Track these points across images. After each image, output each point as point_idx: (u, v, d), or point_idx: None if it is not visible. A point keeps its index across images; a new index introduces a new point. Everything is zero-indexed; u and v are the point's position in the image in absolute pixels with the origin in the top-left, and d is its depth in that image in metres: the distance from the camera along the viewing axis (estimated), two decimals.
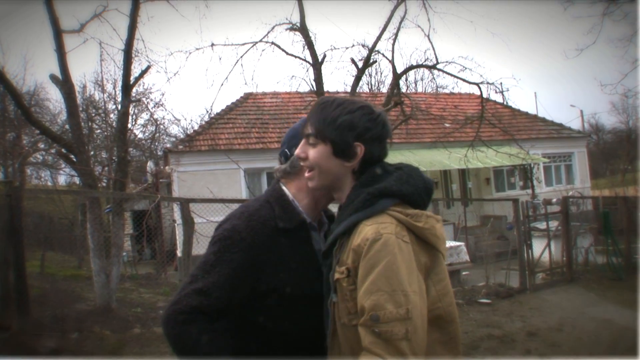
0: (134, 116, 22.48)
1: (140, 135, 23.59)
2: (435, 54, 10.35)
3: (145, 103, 22.89)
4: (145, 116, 23.06)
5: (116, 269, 8.03)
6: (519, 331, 7.05)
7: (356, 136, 1.63)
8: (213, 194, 12.92)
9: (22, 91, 18.76)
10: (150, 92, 24.85)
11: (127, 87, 8.18)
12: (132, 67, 8.27)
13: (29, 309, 6.77)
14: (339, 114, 1.65)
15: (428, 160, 15.97)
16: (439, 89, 21.94)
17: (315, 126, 1.67)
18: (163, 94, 39.92)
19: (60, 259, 14.41)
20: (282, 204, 1.79)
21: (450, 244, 10.01)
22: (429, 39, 10.28)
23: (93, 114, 17.15)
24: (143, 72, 8.55)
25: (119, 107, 9.12)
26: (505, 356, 6.17)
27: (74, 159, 7.97)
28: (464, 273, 10.45)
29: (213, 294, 1.57)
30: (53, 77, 8.04)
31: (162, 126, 23.90)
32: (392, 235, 1.48)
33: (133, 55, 8.15)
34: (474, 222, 16.91)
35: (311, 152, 1.69)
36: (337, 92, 17.21)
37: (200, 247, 13.18)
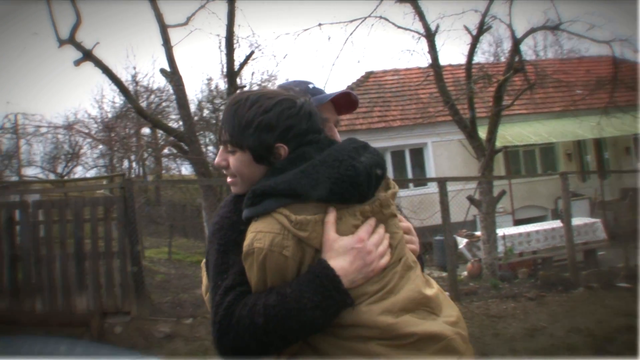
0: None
1: None
2: (557, 12, 9.25)
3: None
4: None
5: None
6: None
7: (276, 138, 1.43)
8: None
9: (153, 88, 19.90)
10: (275, 78, 25.47)
11: (231, 74, 8.23)
12: (235, 54, 8.28)
13: (147, 295, 7.07)
14: (254, 115, 1.43)
15: (559, 130, 14.70)
16: (568, 53, 19.93)
17: (230, 132, 1.47)
18: (288, 79, 40.57)
19: (190, 244, 15.22)
20: None
21: (584, 220, 9.11)
22: None
23: (219, 105, 17.87)
24: (247, 58, 8.57)
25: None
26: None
27: (187, 149, 8.19)
28: (600, 253, 9.47)
29: (245, 280, 1.40)
30: (163, 71, 8.29)
31: None
32: (265, 250, 1.32)
33: (235, 42, 8.15)
34: (613, 196, 15.32)
35: (231, 160, 1.50)
36: (445, 66, 16.29)
37: None
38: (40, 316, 6.58)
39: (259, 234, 1.33)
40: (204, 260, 1.62)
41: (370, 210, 1.43)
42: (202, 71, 47.85)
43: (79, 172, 21.72)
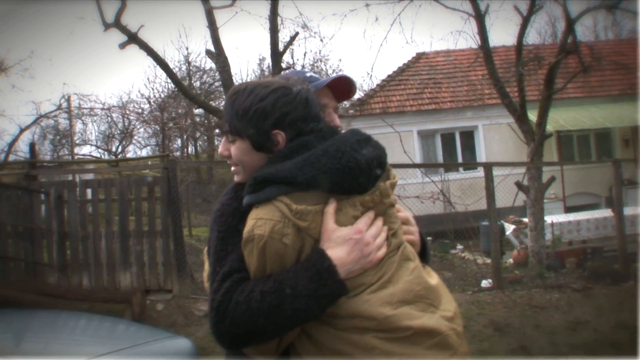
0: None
1: None
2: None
3: (325, 70, 23.44)
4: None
5: None
6: None
7: (273, 124, 1.47)
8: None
9: (205, 68, 20.09)
10: (327, 59, 25.32)
11: (275, 55, 8.22)
12: (281, 35, 8.26)
13: (189, 274, 7.21)
14: (250, 103, 1.48)
15: (615, 115, 14.06)
16: (628, 33, 18.93)
17: (229, 122, 1.53)
18: (340, 60, 40.35)
19: None
20: None
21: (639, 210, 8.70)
22: None
23: None
24: (292, 39, 8.54)
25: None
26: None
27: None
28: None
29: (243, 267, 1.42)
30: (208, 52, 8.36)
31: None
32: (265, 237, 1.34)
33: (279, 23, 8.12)
34: None
35: (232, 149, 1.54)
36: (494, 47, 15.76)
37: None
38: (85, 291, 6.80)
39: (260, 221, 1.35)
40: (206, 248, 1.65)
41: (370, 200, 1.45)
42: (250, 52, 48.08)
43: (131, 151, 22.29)
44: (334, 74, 1.85)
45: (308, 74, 1.78)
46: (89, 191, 7.34)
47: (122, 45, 7.16)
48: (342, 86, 1.80)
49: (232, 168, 1.58)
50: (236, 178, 1.57)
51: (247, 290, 1.36)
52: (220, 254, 1.46)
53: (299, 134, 1.47)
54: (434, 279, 1.52)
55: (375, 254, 1.40)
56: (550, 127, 11.58)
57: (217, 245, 1.47)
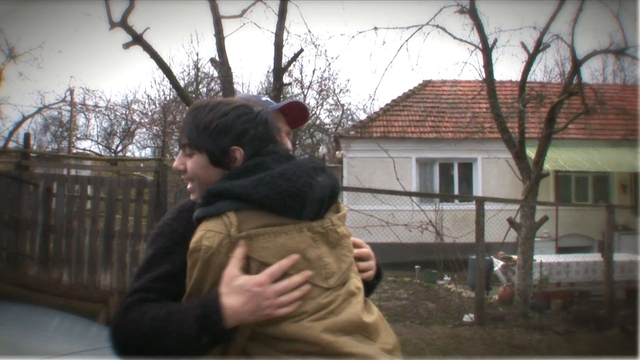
0: (320, 100, 23.26)
1: (327, 120, 24.33)
2: (624, 36, 8.79)
3: (332, 88, 23.52)
4: (331, 101, 23.58)
5: None
6: None
7: (232, 140, 1.48)
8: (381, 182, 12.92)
9: (214, 75, 20.15)
10: (336, 78, 25.39)
11: (278, 70, 8.22)
12: (287, 51, 8.27)
13: None
14: (212, 118, 1.49)
15: (615, 160, 14.05)
16: (633, 79, 18.99)
17: (188, 135, 1.53)
18: (348, 80, 40.57)
19: None
20: None
21: (630, 257, 8.66)
22: (619, 19, 8.76)
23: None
24: (295, 56, 8.54)
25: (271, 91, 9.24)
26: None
27: None
28: None
29: (154, 287, 1.44)
30: (212, 61, 8.36)
31: (348, 111, 24.41)
32: (212, 249, 1.34)
33: (284, 39, 8.13)
34: None
35: (188, 163, 1.54)
36: (502, 81, 15.81)
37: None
38: (63, 287, 6.73)
39: (209, 233, 1.35)
40: None
41: (320, 226, 1.44)
42: (256, 64, 48.48)
43: (131, 150, 22.30)
44: (288, 100, 1.89)
45: (264, 98, 1.83)
46: (78, 187, 7.30)
47: (126, 46, 7.16)
48: (295, 112, 1.84)
49: (189, 186, 1.58)
50: (192, 197, 1.57)
51: (142, 310, 1.37)
52: (142, 270, 1.48)
53: (256, 153, 1.48)
54: (373, 314, 1.51)
55: (274, 310, 1.34)
56: (548, 166, 11.56)
57: (145, 261, 1.50)
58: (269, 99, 1.85)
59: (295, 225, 1.40)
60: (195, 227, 1.45)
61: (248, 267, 1.36)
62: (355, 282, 1.51)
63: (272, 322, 1.34)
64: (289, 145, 1.79)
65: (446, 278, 11.18)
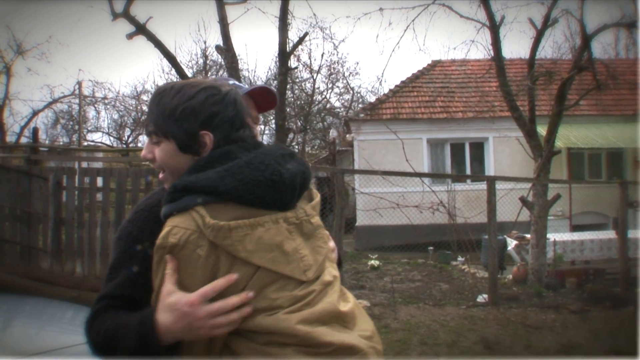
0: (329, 84, 23.17)
1: (337, 104, 24.25)
2: (637, 7, 8.60)
3: (342, 72, 23.38)
4: (340, 84, 23.48)
5: None
6: None
7: (200, 125, 1.41)
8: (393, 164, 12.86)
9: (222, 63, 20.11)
10: (345, 61, 25.23)
11: (283, 55, 8.16)
12: (292, 35, 8.20)
13: None
14: (177, 102, 1.41)
15: (628, 135, 13.82)
16: None
17: (154, 122, 1.45)
18: (357, 63, 40.30)
19: None
20: None
21: None
22: None
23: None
24: (301, 39, 8.47)
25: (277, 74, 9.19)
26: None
27: None
28: None
29: (117, 294, 1.44)
30: (218, 48, 8.32)
31: (358, 94, 24.31)
32: (179, 246, 1.28)
33: (289, 22, 8.07)
34: None
35: (157, 151, 1.47)
36: (512, 59, 15.58)
37: (371, 219, 13.21)
38: (77, 279, 6.78)
39: (175, 229, 1.29)
40: None
41: (294, 217, 1.39)
42: (261, 50, 48.38)
43: (142, 141, 22.37)
44: (255, 85, 1.85)
45: (231, 82, 1.76)
46: (87, 179, 7.33)
47: (130, 36, 7.14)
48: (263, 97, 1.80)
49: (160, 175, 1.51)
50: (166, 185, 1.51)
51: (102, 320, 1.40)
52: (109, 276, 1.47)
53: (226, 137, 1.41)
54: (349, 301, 1.48)
55: (207, 331, 1.29)
56: (560, 144, 11.43)
57: (109, 267, 1.49)
58: (236, 82, 1.79)
59: (271, 217, 1.34)
60: (151, 226, 1.44)
61: (217, 264, 1.30)
62: (331, 270, 1.48)
63: (247, 316, 1.30)
64: (257, 131, 1.73)
65: (460, 259, 11.13)
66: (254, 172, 1.33)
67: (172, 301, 1.30)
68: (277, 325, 1.30)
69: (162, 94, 1.45)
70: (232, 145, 1.41)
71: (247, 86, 1.80)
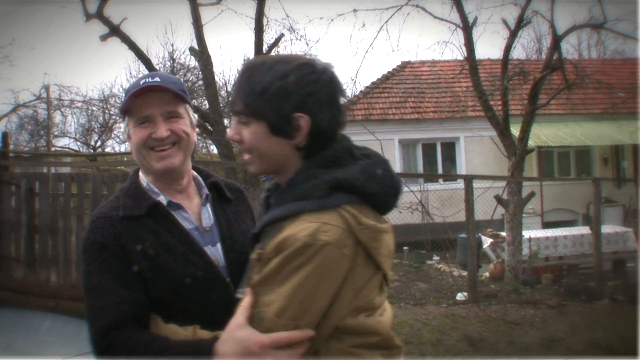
0: None
1: None
2: (603, 10, 8.81)
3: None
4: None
5: None
6: None
7: (295, 106, 1.27)
8: None
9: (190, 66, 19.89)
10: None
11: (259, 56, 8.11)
12: (266, 36, 8.16)
13: None
14: (270, 80, 1.28)
15: (596, 133, 14.21)
16: (612, 53, 19.17)
17: (244, 101, 1.32)
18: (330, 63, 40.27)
19: None
20: (131, 192, 1.59)
21: (615, 229, 8.76)
22: None
23: None
24: (277, 41, 8.43)
25: None
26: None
27: (211, 130, 8.12)
28: (628, 265, 9.09)
29: (107, 307, 1.42)
30: (192, 50, 8.22)
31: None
32: (330, 245, 1.17)
33: (264, 24, 8.01)
34: None
35: (245, 132, 1.34)
36: (480, 59, 15.85)
37: None
38: (52, 288, 6.60)
39: (326, 226, 1.18)
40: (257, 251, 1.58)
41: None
42: (234, 52, 48.07)
43: (110, 145, 21.98)
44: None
45: None
46: (61, 185, 7.14)
47: (103, 38, 6.99)
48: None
49: (246, 157, 1.39)
50: (250, 169, 1.41)
51: (127, 342, 1.36)
52: (90, 294, 1.44)
53: (322, 120, 1.29)
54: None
55: None
56: (531, 142, 11.61)
57: (86, 282, 1.46)
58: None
59: (389, 224, 1.32)
60: (111, 231, 1.45)
61: (355, 266, 1.23)
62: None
63: (351, 315, 1.26)
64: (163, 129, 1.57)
65: (435, 258, 11.22)
66: (388, 179, 1.31)
67: (241, 336, 1.23)
68: (376, 326, 1.29)
69: (252, 69, 1.33)
70: (347, 142, 1.35)
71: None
